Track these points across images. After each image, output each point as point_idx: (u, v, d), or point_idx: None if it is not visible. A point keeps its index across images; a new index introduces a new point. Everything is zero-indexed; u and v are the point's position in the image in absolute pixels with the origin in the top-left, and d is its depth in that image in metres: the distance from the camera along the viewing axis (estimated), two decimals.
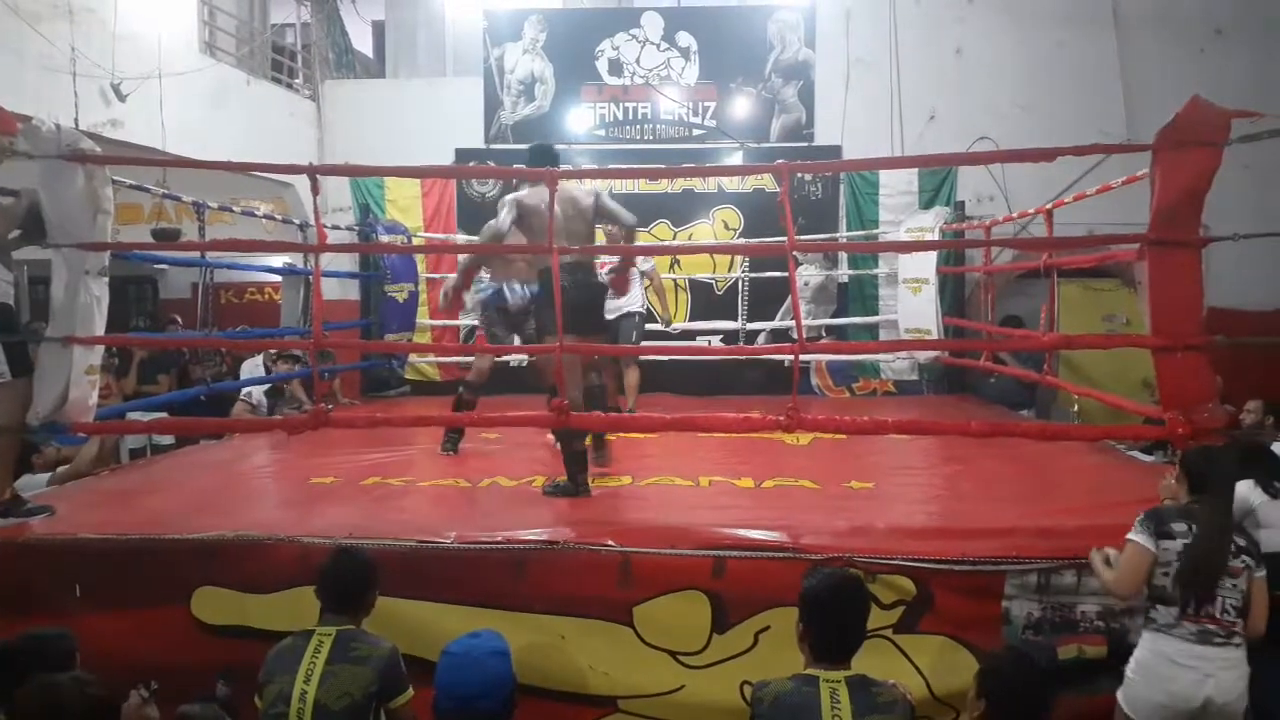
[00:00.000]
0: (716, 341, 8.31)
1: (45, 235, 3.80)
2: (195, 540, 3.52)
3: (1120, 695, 2.87)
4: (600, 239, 5.38)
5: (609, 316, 6.53)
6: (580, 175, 8.13)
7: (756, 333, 8.55)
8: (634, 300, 6.60)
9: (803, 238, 7.87)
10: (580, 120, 8.98)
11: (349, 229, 8.40)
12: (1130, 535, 2.88)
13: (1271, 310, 7.75)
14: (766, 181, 8.41)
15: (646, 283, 6.96)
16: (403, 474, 4.80)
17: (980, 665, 2.58)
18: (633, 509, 4.04)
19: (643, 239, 8.47)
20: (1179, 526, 2.82)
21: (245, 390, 6.52)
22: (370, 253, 8.56)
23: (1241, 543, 2.84)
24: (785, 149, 8.55)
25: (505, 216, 4.39)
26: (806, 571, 2.64)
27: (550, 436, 5.13)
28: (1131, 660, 2.88)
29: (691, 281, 8.62)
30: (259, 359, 7.63)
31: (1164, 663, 2.75)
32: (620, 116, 8.98)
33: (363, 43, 11.10)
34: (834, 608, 2.43)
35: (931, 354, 7.85)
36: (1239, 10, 8.47)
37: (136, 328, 10.13)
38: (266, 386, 6.56)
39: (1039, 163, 3.96)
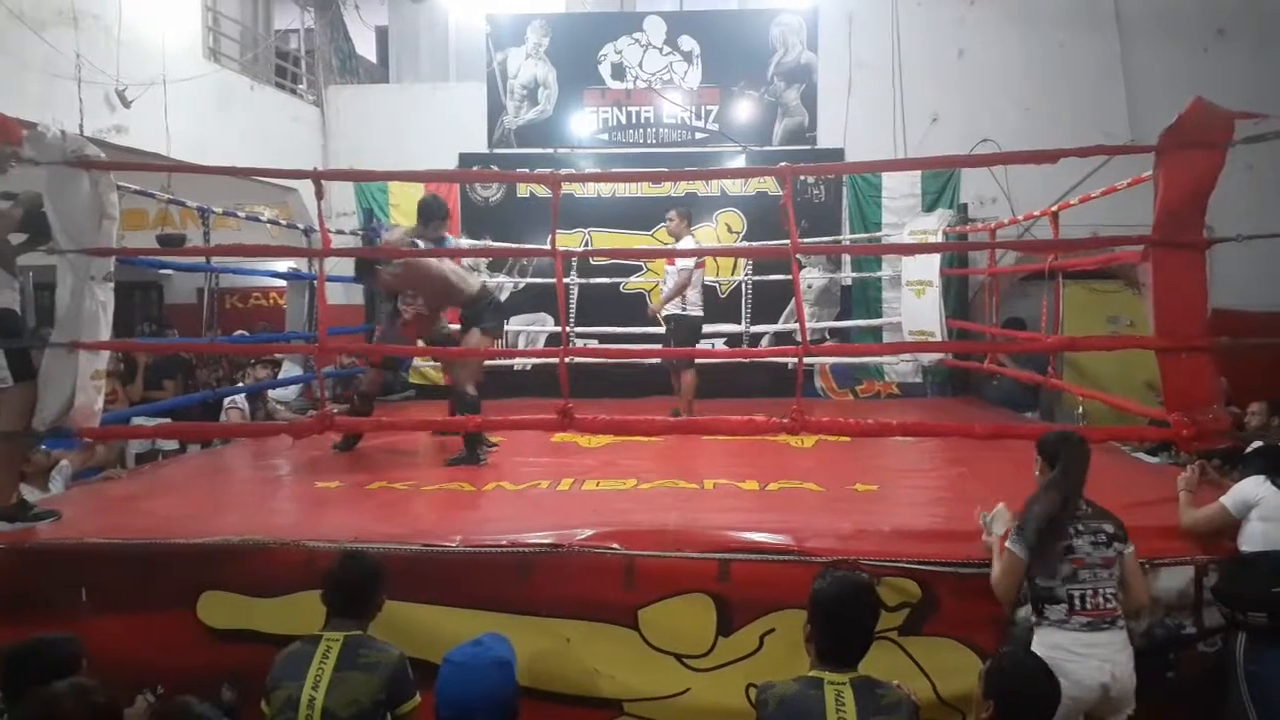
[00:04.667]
0: (720, 344, 8.29)
1: (50, 240, 3.82)
2: (201, 544, 3.52)
3: None
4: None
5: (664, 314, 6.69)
6: (583, 179, 8.17)
7: (760, 335, 8.56)
8: (674, 304, 6.69)
9: (806, 240, 7.88)
10: (583, 124, 9.00)
11: (353, 234, 8.41)
12: (1008, 544, 2.97)
13: (1276, 311, 7.69)
14: (769, 185, 8.43)
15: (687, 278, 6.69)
16: (407, 478, 4.81)
17: (986, 665, 2.58)
18: (637, 512, 4.03)
19: (645, 242, 8.51)
20: None
21: (229, 400, 6.56)
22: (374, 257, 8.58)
23: (1110, 529, 2.96)
24: (788, 152, 8.59)
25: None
26: (817, 573, 2.63)
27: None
28: None
29: None
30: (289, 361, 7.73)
31: (1064, 655, 2.81)
32: (623, 120, 8.99)
33: (366, 48, 11.12)
34: (842, 611, 2.43)
35: (935, 356, 7.85)
36: (1241, 10, 8.46)
37: (142, 333, 10.17)
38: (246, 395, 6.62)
39: (1042, 164, 3.96)
